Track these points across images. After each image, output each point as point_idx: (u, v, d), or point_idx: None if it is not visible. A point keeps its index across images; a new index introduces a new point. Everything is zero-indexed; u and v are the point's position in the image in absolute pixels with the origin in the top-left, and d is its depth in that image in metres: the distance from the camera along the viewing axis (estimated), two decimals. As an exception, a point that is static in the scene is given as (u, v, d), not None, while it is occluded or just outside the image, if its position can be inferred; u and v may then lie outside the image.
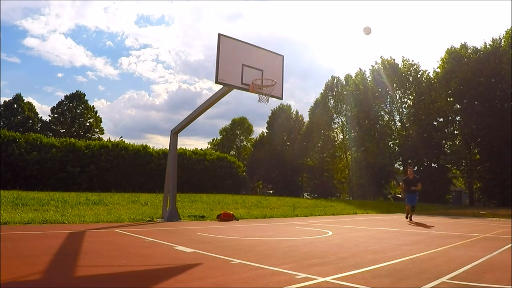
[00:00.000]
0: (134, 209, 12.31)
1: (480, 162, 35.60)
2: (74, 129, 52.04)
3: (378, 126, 42.18)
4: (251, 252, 5.26)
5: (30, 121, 51.35)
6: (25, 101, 52.19)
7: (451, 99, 35.80)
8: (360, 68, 50.58)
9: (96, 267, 4.04)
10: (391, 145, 42.34)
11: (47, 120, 52.90)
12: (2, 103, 50.81)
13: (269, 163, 48.96)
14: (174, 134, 10.57)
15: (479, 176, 35.24)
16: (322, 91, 49.89)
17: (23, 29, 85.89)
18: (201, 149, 41.21)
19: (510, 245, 6.43)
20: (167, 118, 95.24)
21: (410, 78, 40.44)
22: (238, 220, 10.75)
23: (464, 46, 35.84)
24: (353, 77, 45.87)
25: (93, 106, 55.01)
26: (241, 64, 8.20)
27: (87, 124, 53.54)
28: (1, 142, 24.48)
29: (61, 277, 3.52)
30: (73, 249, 5.08)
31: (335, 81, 49.39)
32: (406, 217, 12.42)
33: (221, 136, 64.07)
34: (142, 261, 4.52)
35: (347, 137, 47.98)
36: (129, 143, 31.56)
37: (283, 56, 9.04)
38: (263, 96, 8.30)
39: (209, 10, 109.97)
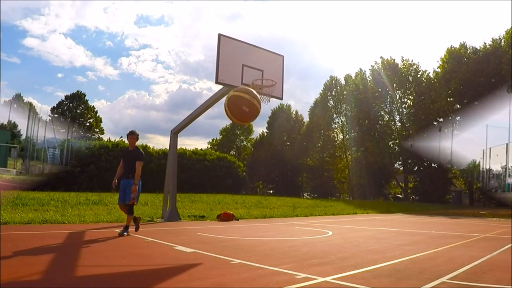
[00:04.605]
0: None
1: (480, 162, 35.62)
2: (74, 129, 52.09)
3: (378, 126, 42.18)
4: (251, 252, 5.26)
5: (30, 121, 51.37)
6: (25, 101, 52.34)
7: (451, 99, 35.80)
8: (360, 68, 50.54)
9: (96, 267, 4.04)
10: (391, 145, 42.35)
11: (47, 120, 53.01)
12: (2, 103, 50.90)
13: (269, 163, 48.90)
14: (174, 134, 10.56)
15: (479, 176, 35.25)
16: (321, 92, 49.93)
17: (23, 29, 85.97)
18: (201, 149, 41.11)
19: (510, 245, 6.43)
20: (167, 118, 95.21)
21: (410, 78, 40.42)
22: (238, 220, 10.74)
23: (463, 46, 35.84)
24: (353, 77, 45.86)
25: (93, 106, 55.19)
26: (241, 64, 8.19)
27: (87, 124, 53.58)
28: (1, 142, 24.51)
29: (61, 277, 3.52)
30: (73, 249, 5.08)
31: (333, 81, 49.41)
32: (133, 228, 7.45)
33: (221, 136, 63.99)
34: (142, 261, 4.52)
35: (347, 137, 47.95)
36: (129, 143, 31.47)
37: (283, 56, 9.02)
38: (264, 96, 8.31)
39: (208, 10, 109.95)
